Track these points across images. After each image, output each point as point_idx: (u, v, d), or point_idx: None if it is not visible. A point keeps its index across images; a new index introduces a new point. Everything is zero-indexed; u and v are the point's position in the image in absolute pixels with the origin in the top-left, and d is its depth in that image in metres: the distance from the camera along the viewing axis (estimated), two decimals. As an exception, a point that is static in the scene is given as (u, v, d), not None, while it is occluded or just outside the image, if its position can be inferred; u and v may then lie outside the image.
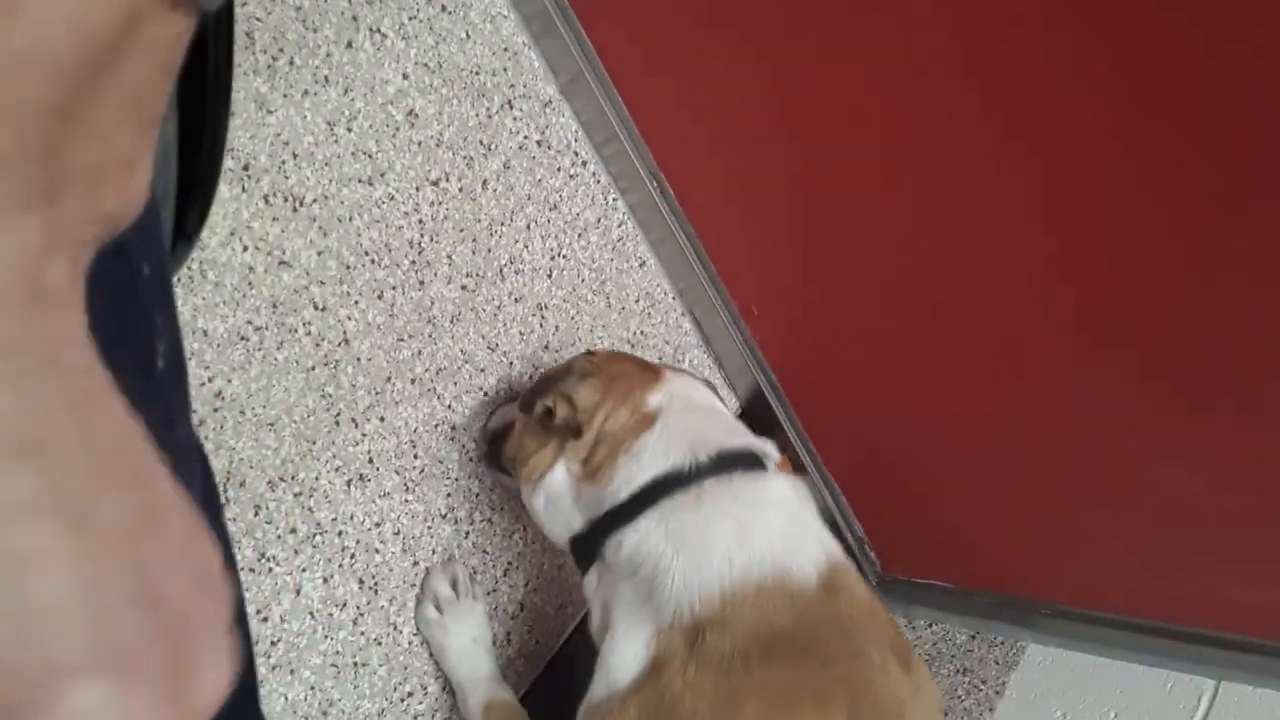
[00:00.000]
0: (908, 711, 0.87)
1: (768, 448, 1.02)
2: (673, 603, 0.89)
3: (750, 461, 0.97)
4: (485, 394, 1.27)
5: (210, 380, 1.03)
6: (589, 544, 1.00)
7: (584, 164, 1.39)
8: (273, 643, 1.08)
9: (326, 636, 1.12)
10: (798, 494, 0.98)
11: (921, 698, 0.90)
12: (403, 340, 1.19)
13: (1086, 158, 0.97)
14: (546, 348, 1.34)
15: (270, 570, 1.07)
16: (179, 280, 0.98)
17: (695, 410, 1.03)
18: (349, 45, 1.15)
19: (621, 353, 1.13)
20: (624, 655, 0.90)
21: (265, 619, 1.07)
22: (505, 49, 1.29)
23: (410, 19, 1.20)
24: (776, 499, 0.95)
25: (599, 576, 0.99)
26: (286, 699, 1.09)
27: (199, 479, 0.54)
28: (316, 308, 1.11)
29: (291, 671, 1.08)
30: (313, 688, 1.10)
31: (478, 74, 1.27)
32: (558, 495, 1.03)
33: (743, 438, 1.02)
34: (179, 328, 0.51)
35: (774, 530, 0.92)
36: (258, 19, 1.07)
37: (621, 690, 0.88)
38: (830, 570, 0.92)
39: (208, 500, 0.57)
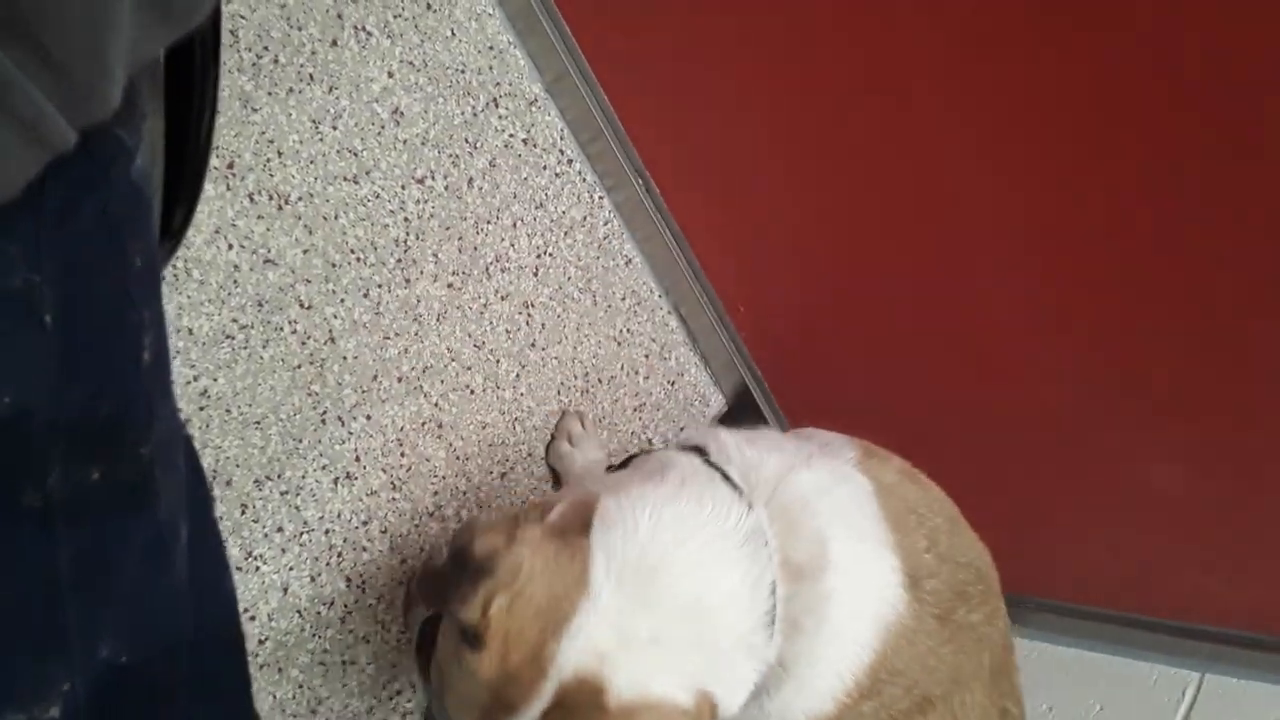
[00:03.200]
0: None
1: None
2: None
3: None
4: (471, 391, 1.27)
5: (196, 379, 1.03)
6: None
7: (570, 162, 1.39)
8: (260, 641, 1.08)
9: (314, 635, 1.11)
10: None
11: None
12: (389, 338, 1.19)
13: (1072, 152, 0.98)
14: (533, 345, 1.34)
15: (258, 569, 1.07)
16: (164, 278, 0.98)
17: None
18: (334, 43, 1.14)
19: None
20: None
21: (253, 617, 1.07)
22: (490, 47, 1.29)
23: (395, 17, 1.20)
24: None
25: None
26: (275, 698, 1.09)
27: (183, 469, 0.53)
28: (302, 306, 1.11)
29: (280, 670, 1.08)
30: (301, 686, 1.10)
31: (463, 72, 1.27)
32: None
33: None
34: (165, 322, 0.51)
35: None
36: (242, 17, 1.07)
37: None
38: None
39: (195, 491, 0.56)
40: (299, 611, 1.10)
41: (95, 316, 0.45)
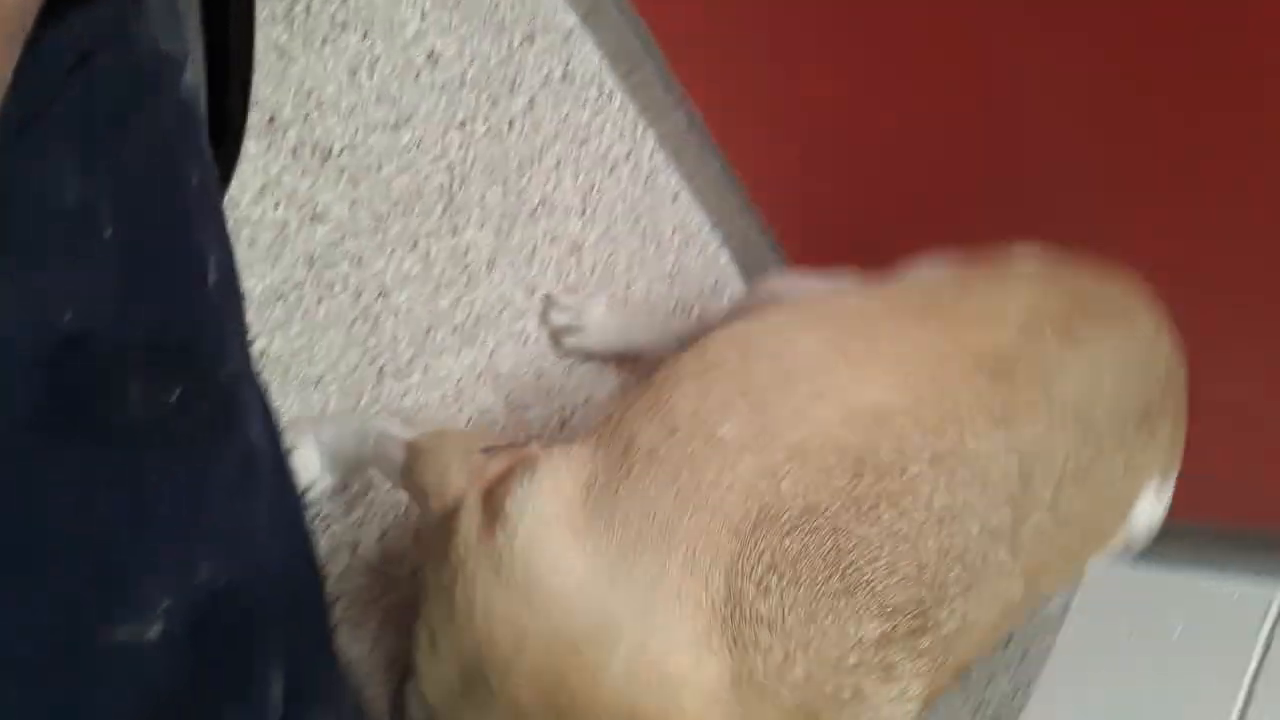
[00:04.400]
0: None
1: None
2: None
3: None
4: (526, 340, 1.25)
5: (252, 341, 1.01)
6: None
7: (610, 96, 1.35)
8: (333, 600, 1.08)
9: (386, 592, 1.11)
10: None
11: None
12: (440, 289, 1.17)
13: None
14: (585, 288, 1.31)
15: (327, 528, 1.06)
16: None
17: None
18: (365, -14, 1.11)
19: None
20: None
21: (324, 577, 1.07)
22: (523, -20, 1.25)
23: (425, -45, 1.16)
24: None
25: None
26: (350, 655, 1.09)
27: (260, 388, 0.53)
28: (352, 261, 1.09)
29: (357, 625, 1.08)
30: (377, 641, 1.10)
31: (496, 8, 1.23)
32: None
33: None
34: (230, 242, 0.50)
35: None
36: (270, -36, 1.04)
37: None
38: None
39: (267, 422, 0.55)
40: (369, 569, 1.10)
41: (154, 233, 0.44)
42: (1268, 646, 1.20)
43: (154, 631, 0.43)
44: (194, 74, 0.49)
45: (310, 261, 1.06)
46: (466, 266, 1.20)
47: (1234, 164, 0.95)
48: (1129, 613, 1.29)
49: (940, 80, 1.09)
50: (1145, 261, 0.89)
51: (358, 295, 1.09)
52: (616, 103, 1.36)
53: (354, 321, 1.09)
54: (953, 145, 1.15)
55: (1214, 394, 1.17)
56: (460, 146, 1.19)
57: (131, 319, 0.43)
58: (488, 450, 0.78)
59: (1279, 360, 1.10)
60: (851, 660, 0.65)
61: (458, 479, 0.76)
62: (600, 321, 1.25)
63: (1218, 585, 1.27)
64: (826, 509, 0.66)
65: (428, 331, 1.15)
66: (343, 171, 1.09)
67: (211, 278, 0.48)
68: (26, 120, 0.39)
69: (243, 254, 1.01)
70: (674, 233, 1.43)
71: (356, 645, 1.09)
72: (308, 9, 1.06)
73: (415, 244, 1.14)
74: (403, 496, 1.13)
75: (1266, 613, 1.22)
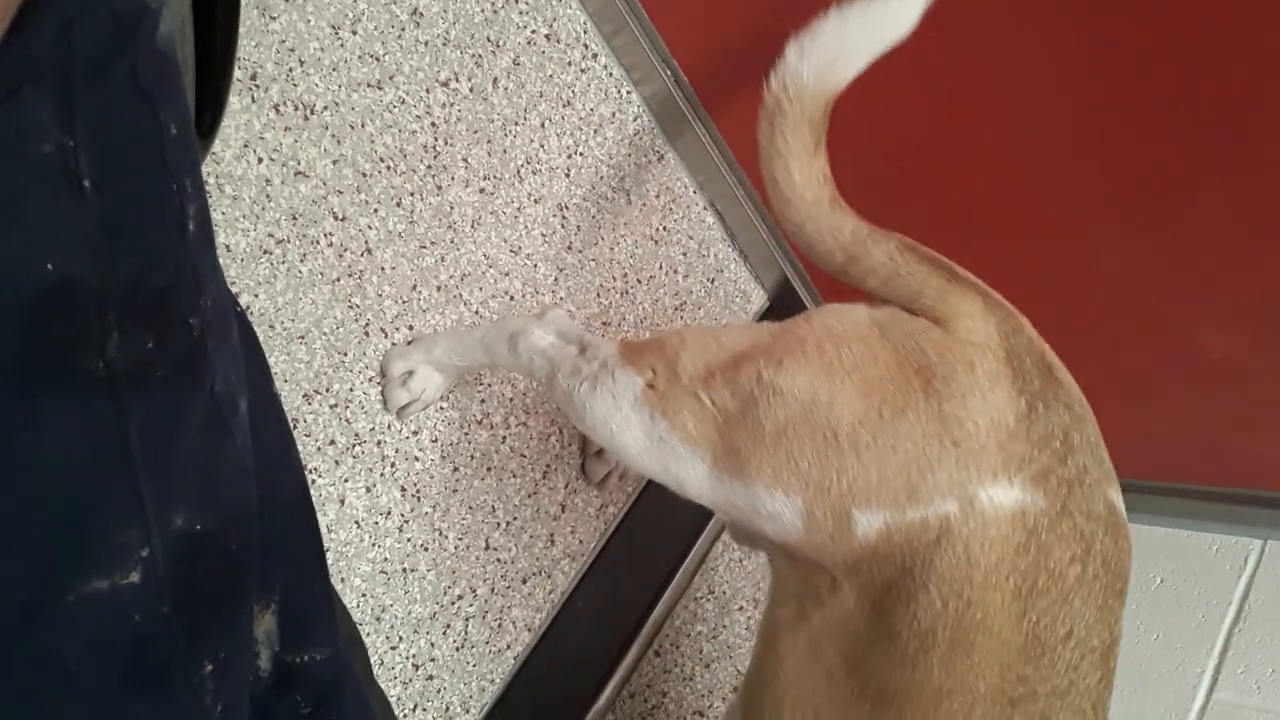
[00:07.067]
0: None
1: None
2: None
3: None
4: (511, 298, 1.25)
5: (237, 296, 1.02)
6: None
7: (595, 56, 1.35)
8: (321, 554, 1.09)
9: (374, 545, 1.13)
10: None
11: None
12: (425, 247, 1.18)
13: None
14: (570, 248, 1.32)
15: (314, 482, 1.07)
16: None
17: None
18: (346, -57, 1.11)
19: None
20: None
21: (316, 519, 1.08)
22: (507, -61, 1.25)
23: (407, -88, 1.16)
24: None
25: None
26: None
27: (237, 343, 0.53)
28: (336, 218, 1.10)
29: (342, 580, 1.10)
30: (364, 595, 1.12)
31: (480, -32, 1.23)
32: None
33: None
34: (205, 192, 0.50)
35: None
36: (251, -80, 1.04)
37: None
38: None
39: (253, 364, 0.57)
40: (357, 522, 1.11)
41: (134, 183, 0.45)
42: (1245, 596, 1.21)
43: (134, 576, 0.44)
44: (170, 23, 0.50)
45: (294, 218, 1.06)
46: (451, 225, 1.20)
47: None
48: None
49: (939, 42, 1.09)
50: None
51: (342, 252, 1.10)
52: (601, 63, 1.36)
53: (338, 278, 1.10)
54: (939, 109, 1.15)
55: (1190, 367, 1.19)
56: (444, 105, 1.20)
57: (112, 269, 0.43)
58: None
59: (1263, 330, 1.10)
60: None
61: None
62: (435, 383, 1.16)
63: (1196, 539, 1.28)
64: None
65: (413, 288, 1.16)
66: (326, 129, 1.09)
67: (190, 227, 0.48)
68: (13, 91, 0.39)
69: (225, 209, 1.01)
70: (659, 194, 1.44)
71: (345, 598, 1.11)
72: (289, -34, 1.06)
73: (399, 202, 1.15)
74: (389, 451, 1.14)
75: (1244, 564, 1.23)
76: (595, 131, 1.36)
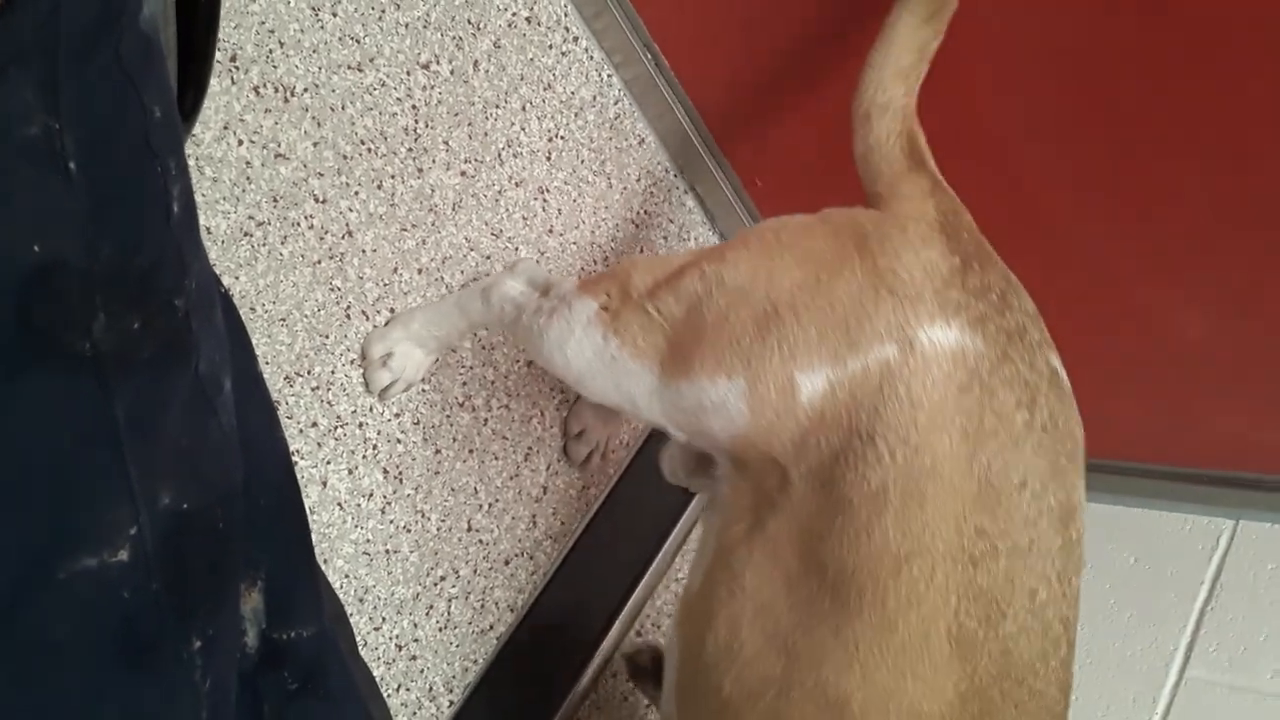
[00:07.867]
0: None
1: None
2: None
3: None
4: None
5: (220, 275, 1.02)
6: None
7: (575, 39, 1.35)
8: (303, 536, 1.09)
9: (356, 526, 1.13)
10: None
11: None
12: (406, 230, 1.18)
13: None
14: (551, 231, 1.32)
15: (297, 464, 1.08)
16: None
17: None
18: (326, -76, 1.10)
19: None
20: None
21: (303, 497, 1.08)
22: (487, -79, 1.24)
23: (387, -107, 1.15)
24: None
25: None
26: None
27: (221, 324, 0.54)
28: (317, 200, 1.09)
29: (325, 561, 1.10)
30: (347, 576, 1.12)
31: (461, -50, 1.23)
32: None
33: None
34: (189, 174, 0.51)
35: None
36: (229, -100, 1.03)
37: None
38: None
39: (237, 345, 0.57)
40: (339, 504, 1.12)
41: (119, 165, 0.45)
42: (1217, 575, 1.23)
43: (123, 554, 0.44)
44: (153, 5, 0.50)
45: (274, 200, 1.06)
46: (433, 208, 1.20)
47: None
48: (1085, 544, 1.32)
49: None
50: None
51: (323, 235, 1.10)
52: (582, 46, 1.36)
53: (319, 261, 1.10)
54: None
55: (1164, 348, 1.20)
56: (425, 88, 1.20)
57: (98, 250, 0.43)
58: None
59: (1236, 312, 1.12)
60: None
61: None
62: (416, 360, 1.16)
63: (1169, 519, 1.30)
64: None
65: (394, 271, 1.16)
66: (306, 111, 1.09)
67: (175, 209, 0.49)
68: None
69: (206, 191, 1.01)
70: (640, 178, 1.44)
71: (329, 579, 1.11)
72: (268, -54, 1.06)
73: (380, 184, 1.15)
74: (371, 434, 1.14)
75: (1216, 544, 1.25)
76: (576, 115, 1.36)
